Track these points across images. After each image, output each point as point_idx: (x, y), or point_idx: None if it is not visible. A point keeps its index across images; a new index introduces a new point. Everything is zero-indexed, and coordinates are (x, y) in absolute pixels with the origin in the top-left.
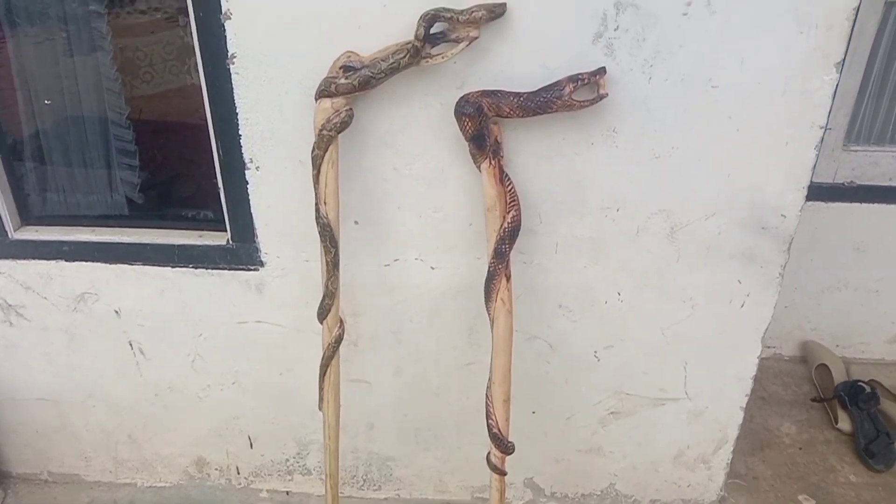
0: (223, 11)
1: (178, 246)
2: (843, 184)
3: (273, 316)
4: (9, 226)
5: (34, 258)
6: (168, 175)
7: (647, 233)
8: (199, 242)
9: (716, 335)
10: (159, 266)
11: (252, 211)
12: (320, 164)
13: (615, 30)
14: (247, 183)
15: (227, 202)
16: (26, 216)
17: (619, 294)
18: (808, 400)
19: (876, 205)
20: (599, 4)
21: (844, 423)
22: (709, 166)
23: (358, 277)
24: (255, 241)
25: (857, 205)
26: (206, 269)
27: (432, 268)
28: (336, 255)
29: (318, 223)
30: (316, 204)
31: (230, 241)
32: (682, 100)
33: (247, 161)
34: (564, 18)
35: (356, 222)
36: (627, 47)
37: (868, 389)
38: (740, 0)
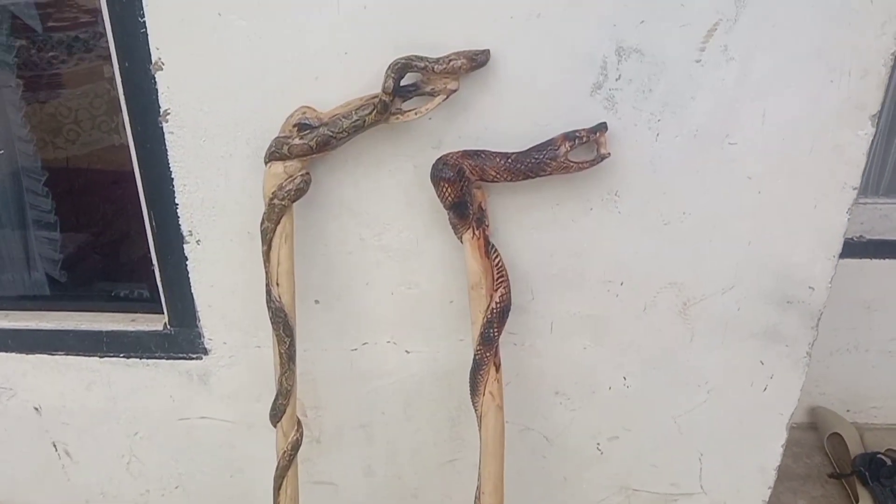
0: (153, 61)
1: (107, 332)
2: (852, 239)
3: (220, 411)
4: None
5: None
6: (95, 249)
7: (656, 309)
8: (131, 328)
9: (735, 422)
10: (85, 356)
11: (193, 291)
12: (271, 239)
13: (617, 80)
14: (186, 259)
15: (163, 281)
16: None
17: (624, 378)
18: (824, 475)
19: (887, 260)
20: (598, 51)
21: (866, 502)
22: (726, 233)
23: (320, 364)
24: (196, 326)
25: (867, 261)
26: (140, 358)
27: (407, 352)
28: (292, 345)
29: (269, 308)
30: (267, 285)
31: (168, 326)
32: (695, 159)
33: (185, 234)
34: (558, 67)
35: (317, 301)
36: (631, 100)
37: (889, 462)
38: (762, 45)
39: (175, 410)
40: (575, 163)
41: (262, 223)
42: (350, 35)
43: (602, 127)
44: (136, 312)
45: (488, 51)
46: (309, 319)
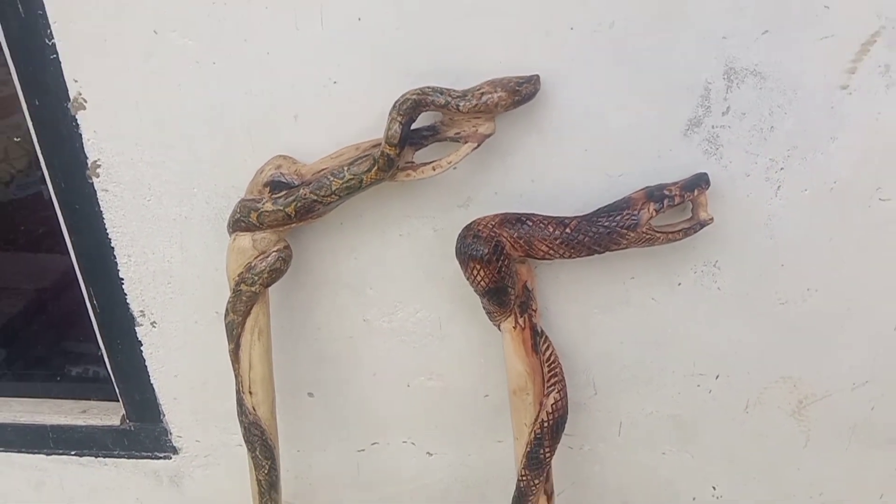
0: (72, 97)
1: (53, 427)
2: None
3: None
4: None
5: None
6: (39, 320)
7: (762, 409)
8: (81, 422)
9: None
10: (29, 453)
11: (153, 381)
12: (240, 336)
13: (724, 113)
14: (139, 344)
15: (114, 371)
16: None
17: (713, 489)
18: None
19: None
20: (698, 73)
21: None
22: (865, 316)
23: (318, 467)
24: (161, 421)
25: None
26: (96, 456)
27: (429, 454)
28: (273, 469)
29: (241, 423)
30: (238, 393)
31: (126, 421)
32: (830, 220)
33: (136, 314)
34: (637, 96)
35: (310, 395)
36: (743, 141)
37: None
38: None
39: None
40: (662, 233)
41: (226, 314)
42: (340, 58)
43: (702, 181)
44: (88, 400)
45: (537, 77)
46: (302, 416)
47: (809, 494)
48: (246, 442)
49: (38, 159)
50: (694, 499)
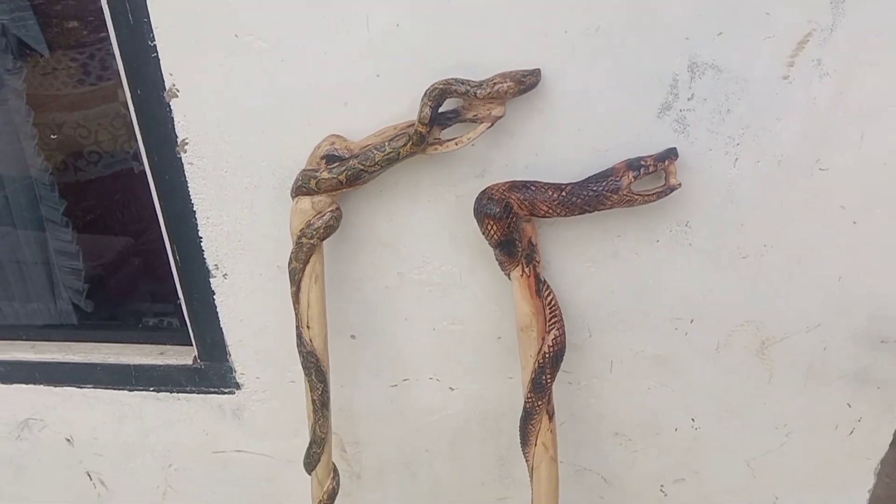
0: (167, 87)
1: (135, 366)
2: None
3: (256, 445)
4: None
5: None
6: (121, 277)
7: (731, 349)
8: (159, 362)
9: (816, 466)
10: (114, 389)
11: (222, 325)
12: (300, 280)
13: (689, 99)
14: (213, 293)
15: (190, 316)
16: None
17: (692, 420)
18: None
19: None
20: (667, 67)
21: None
22: (813, 268)
23: (358, 400)
24: (227, 361)
25: None
26: (171, 392)
27: (452, 389)
28: (325, 391)
29: (300, 353)
30: (297, 328)
31: (198, 361)
32: (780, 186)
33: (211, 268)
34: (619, 86)
35: (353, 337)
36: (706, 122)
37: None
38: (863, 58)
39: (209, 444)
40: (639, 195)
41: (289, 263)
42: (382, 56)
43: (671, 153)
44: (164, 344)
45: (538, 70)
46: (345, 355)
47: (775, 426)
48: (303, 368)
49: (137, 138)
50: (676, 429)
